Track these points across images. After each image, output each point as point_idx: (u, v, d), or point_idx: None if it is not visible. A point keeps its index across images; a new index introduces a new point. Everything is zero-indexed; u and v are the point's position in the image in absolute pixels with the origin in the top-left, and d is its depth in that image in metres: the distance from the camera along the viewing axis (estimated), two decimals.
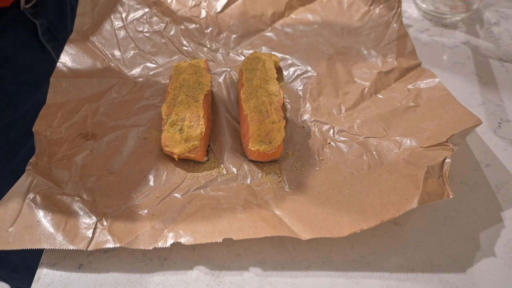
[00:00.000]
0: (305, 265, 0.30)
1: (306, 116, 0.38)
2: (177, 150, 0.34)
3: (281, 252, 0.31)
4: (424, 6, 0.53)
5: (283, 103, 0.39)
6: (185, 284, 0.30)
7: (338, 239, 0.32)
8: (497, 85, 0.43)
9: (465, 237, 0.32)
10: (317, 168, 0.34)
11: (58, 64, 0.41)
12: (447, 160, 0.31)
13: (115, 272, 0.30)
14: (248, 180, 0.34)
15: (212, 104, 0.40)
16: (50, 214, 0.31)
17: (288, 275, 0.30)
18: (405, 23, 0.52)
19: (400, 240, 0.32)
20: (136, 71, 0.43)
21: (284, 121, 0.35)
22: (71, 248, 0.29)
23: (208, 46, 0.47)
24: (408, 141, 0.34)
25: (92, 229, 0.30)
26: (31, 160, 0.34)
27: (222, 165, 0.35)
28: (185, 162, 0.35)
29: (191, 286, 0.30)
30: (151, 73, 0.43)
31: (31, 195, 0.31)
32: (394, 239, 0.32)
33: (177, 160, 0.35)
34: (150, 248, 0.29)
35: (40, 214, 0.31)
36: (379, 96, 0.39)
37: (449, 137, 0.32)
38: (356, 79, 0.41)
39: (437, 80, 0.38)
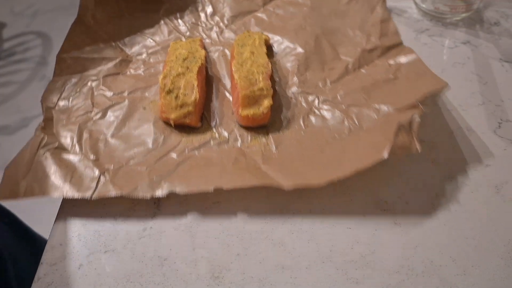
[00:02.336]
0: (305, 265, 0.31)
1: (293, 89, 0.41)
2: (173, 115, 0.37)
3: (281, 252, 0.31)
4: (424, 6, 0.53)
5: (272, 77, 0.42)
6: (185, 284, 0.30)
7: (338, 239, 0.32)
8: (497, 85, 0.43)
9: (465, 237, 0.32)
10: (302, 133, 0.37)
11: (63, 43, 0.45)
12: (416, 118, 0.34)
13: (115, 272, 0.30)
14: (239, 143, 0.37)
15: (206, 78, 0.44)
16: (58, 169, 0.34)
17: (288, 275, 0.30)
18: (405, 23, 0.52)
19: (400, 240, 0.32)
20: (135, 49, 0.47)
21: (272, 89, 0.38)
22: (77, 197, 0.32)
23: (203, 26, 0.50)
24: (386, 108, 0.37)
25: (96, 181, 0.34)
26: (38, 126, 0.37)
27: (214, 130, 0.38)
28: (181, 128, 0.38)
29: (191, 286, 0.30)
30: (149, 51, 0.47)
31: (40, 153, 0.35)
32: (394, 239, 0.32)
33: (173, 125, 0.38)
34: (148, 196, 0.32)
35: (49, 169, 0.34)
36: (362, 71, 0.42)
37: (419, 98, 0.35)
38: (341, 56, 0.44)
39: (415, 56, 0.41)
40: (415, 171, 0.36)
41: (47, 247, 0.32)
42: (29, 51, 1.78)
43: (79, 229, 0.33)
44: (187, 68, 0.40)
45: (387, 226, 0.32)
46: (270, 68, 0.40)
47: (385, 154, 0.31)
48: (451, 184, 0.35)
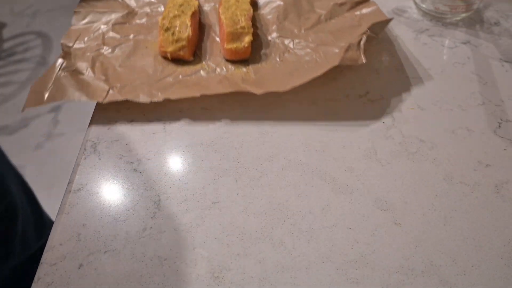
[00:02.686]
0: (305, 265, 0.31)
1: (273, 34, 0.49)
2: (170, 49, 0.45)
3: (281, 252, 0.31)
4: (424, 6, 0.53)
5: (256, 24, 0.50)
6: (185, 284, 0.30)
7: (338, 238, 0.32)
8: (497, 85, 0.43)
9: (465, 237, 0.32)
10: (278, 65, 0.45)
11: (79, 2, 0.53)
12: (363, 38, 0.42)
13: (115, 272, 0.30)
14: (224, 72, 0.45)
15: (200, 25, 0.51)
16: (75, 83, 0.42)
17: (288, 275, 0.30)
18: (405, 23, 0.52)
19: (400, 240, 0.32)
20: (139, 4, 0.55)
21: (252, 28, 0.46)
22: (90, 101, 0.40)
23: None
24: (347, 45, 0.44)
25: (106, 92, 0.42)
26: (58, 55, 0.45)
27: (204, 63, 0.46)
28: (177, 61, 0.46)
29: (191, 286, 0.30)
30: (151, 6, 0.54)
31: (61, 73, 0.43)
32: (394, 239, 0.32)
33: (170, 59, 0.46)
34: (148, 102, 0.40)
35: (68, 83, 0.42)
36: (332, 21, 0.50)
37: (368, 26, 0.44)
38: (316, 9, 0.51)
39: (376, 6, 0.49)
40: (415, 171, 0.36)
41: (47, 247, 0.32)
42: (29, 51, 1.78)
43: (79, 229, 0.33)
44: (182, 11, 0.49)
45: (387, 226, 0.32)
46: (252, 12, 0.49)
47: (337, 62, 0.40)
48: (451, 184, 0.35)
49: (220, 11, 0.49)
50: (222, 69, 0.45)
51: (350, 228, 0.33)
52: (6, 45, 1.81)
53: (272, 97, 0.43)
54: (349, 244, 0.32)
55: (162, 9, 0.53)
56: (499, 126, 0.40)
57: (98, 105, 0.43)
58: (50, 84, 0.42)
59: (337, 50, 0.44)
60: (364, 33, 0.43)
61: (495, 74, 0.45)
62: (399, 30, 0.51)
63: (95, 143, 0.40)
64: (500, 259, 0.30)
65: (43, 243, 0.71)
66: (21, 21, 1.94)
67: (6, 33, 1.87)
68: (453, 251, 0.31)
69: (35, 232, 0.68)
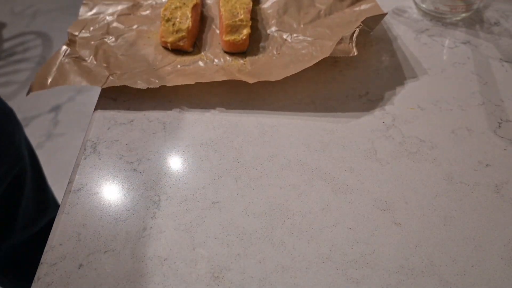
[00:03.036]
0: (305, 265, 0.31)
1: (272, 28, 0.50)
2: (170, 39, 0.46)
3: (281, 252, 0.31)
4: (424, 6, 0.53)
5: (256, 18, 0.52)
6: (185, 284, 0.30)
7: (338, 239, 0.32)
8: (497, 85, 0.43)
9: (465, 237, 0.32)
10: (274, 57, 0.46)
11: None
12: (356, 31, 0.43)
13: (115, 272, 0.30)
14: (221, 63, 0.46)
15: (202, 17, 0.53)
16: (77, 69, 0.44)
17: (288, 275, 0.30)
18: (405, 23, 0.52)
19: (400, 240, 0.32)
20: None
21: (251, 21, 0.48)
22: (91, 85, 0.42)
23: None
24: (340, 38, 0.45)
25: (106, 78, 0.43)
26: (64, 43, 0.47)
27: (203, 54, 0.48)
28: (177, 51, 0.47)
29: (191, 286, 0.30)
30: None
31: (64, 60, 0.45)
32: (394, 239, 0.32)
33: (170, 49, 0.47)
34: (144, 88, 0.42)
35: (71, 69, 0.44)
36: (331, 16, 0.51)
37: (362, 20, 0.44)
38: (316, 4, 0.52)
39: (374, 3, 0.50)
40: (415, 171, 0.36)
41: (47, 247, 0.32)
42: (29, 51, 1.78)
43: (79, 229, 0.33)
44: (184, 3, 0.50)
45: (387, 226, 0.32)
46: (251, 5, 0.50)
47: (327, 54, 0.41)
48: (451, 184, 0.35)
49: (220, 3, 0.51)
50: (220, 60, 0.47)
51: (350, 228, 0.33)
52: (6, 45, 1.81)
53: (273, 96, 0.43)
54: (349, 244, 0.32)
55: (166, 1, 0.54)
56: (499, 126, 0.40)
57: (99, 104, 0.43)
58: (53, 70, 0.44)
59: (331, 44, 0.44)
60: (357, 27, 0.44)
61: (495, 74, 0.45)
62: (399, 30, 0.51)
63: (95, 143, 0.40)
64: (500, 259, 0.30)
65: (45, 224, 0.71)
66: (21, 21, 1.94)
67: (6, 33, 1.87)
68: (453, 251, 0.31)
69: (37, 208, 0.68)
